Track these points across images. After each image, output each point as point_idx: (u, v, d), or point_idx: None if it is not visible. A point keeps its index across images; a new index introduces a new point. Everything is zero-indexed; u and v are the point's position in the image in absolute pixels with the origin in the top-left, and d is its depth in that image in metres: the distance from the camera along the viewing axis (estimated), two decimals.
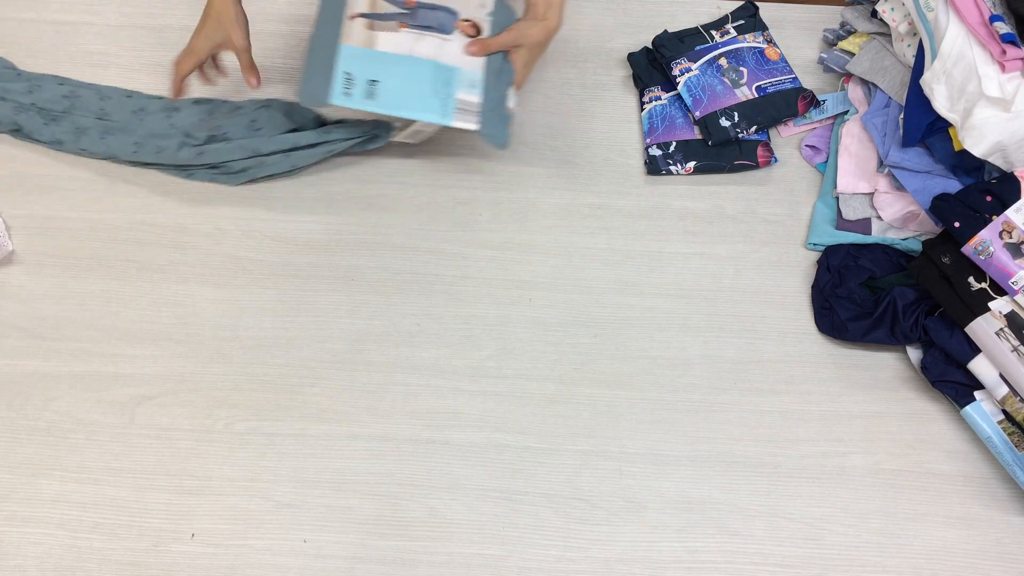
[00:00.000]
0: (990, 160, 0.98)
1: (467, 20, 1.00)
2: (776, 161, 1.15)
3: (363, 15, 0.99)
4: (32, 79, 1.14)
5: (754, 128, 1.14)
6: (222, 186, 1.11)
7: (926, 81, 1.00)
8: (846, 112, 1.16)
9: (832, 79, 1.22)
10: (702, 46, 1.20)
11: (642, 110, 1.18)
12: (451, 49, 0.99)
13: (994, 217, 0.95)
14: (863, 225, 1.08)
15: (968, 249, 0.95)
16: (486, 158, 1.14)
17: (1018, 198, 0.96)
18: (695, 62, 1.18)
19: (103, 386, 0.99)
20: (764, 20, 1.23)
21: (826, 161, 1.15)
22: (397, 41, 0.98)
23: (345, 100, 0.96)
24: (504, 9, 1.04)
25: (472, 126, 0.98)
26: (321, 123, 1.10)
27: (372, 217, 1.10)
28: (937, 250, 0.99)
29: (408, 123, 1.06)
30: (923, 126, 1.03)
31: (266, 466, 0.95)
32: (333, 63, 0.96)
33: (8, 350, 1.01)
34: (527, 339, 1.03)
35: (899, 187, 1.07)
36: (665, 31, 1.22)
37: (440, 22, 1.00)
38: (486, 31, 1.01)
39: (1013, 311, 0.93)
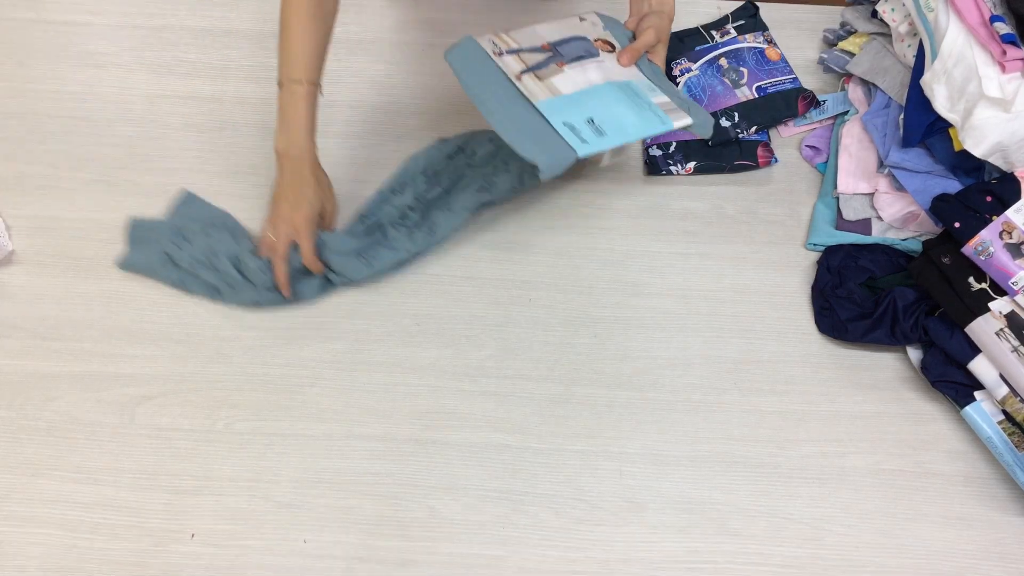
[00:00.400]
0: (990, 160, 0.98)
1: (597, 40, 0.98)
2: (776, 161, 1.15)
3: (526, 70, 0.94)
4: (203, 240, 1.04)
5: (754, 128, 1.14)
6: (222, 186, 1.11)
7: (926, 81, 1.00)
8: (846, 112, 1.16)
9: (832, 79, 1.22)
10: (702, 46, 1.20)
11: None
12: (610, 67, 0.97)
13: (994, 217, 0.95)
14: (863, 225, 1.08)
15: (968, 249, 0.96)
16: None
17: (1018, 198, 0.96)
18: (695, 62, 1.18)
19: (103, 386, 0.99)
20: (764, 20, 1.23)
21: (826, 161, 1.15)
22: (571, 78, 0.94)
23: (586, 148, 0.90)
24: (611, 21, 1.02)
25: (687, 120, 0.95)
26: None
27: None
28: (937, 250, 0.99)
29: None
30: (923, 126, 1.03)
31: (266, 466, 0.95)
32: (546, 123, 0.90)
33: (8, 350, 1.01)
34: (527, 339, 1.03)
35: (899, 187, 1.07)
36: None
37: (584, 49, 0.97)
38: (617, 42, 0.99)
39: (1013, 311, 0.93)
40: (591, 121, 0.91)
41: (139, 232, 1.05)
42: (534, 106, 0.91)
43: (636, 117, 0.93)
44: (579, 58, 0.95)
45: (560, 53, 0.95)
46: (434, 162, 1.09)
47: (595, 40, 0.98)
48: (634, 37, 1.00)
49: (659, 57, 1.00)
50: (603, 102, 0.93)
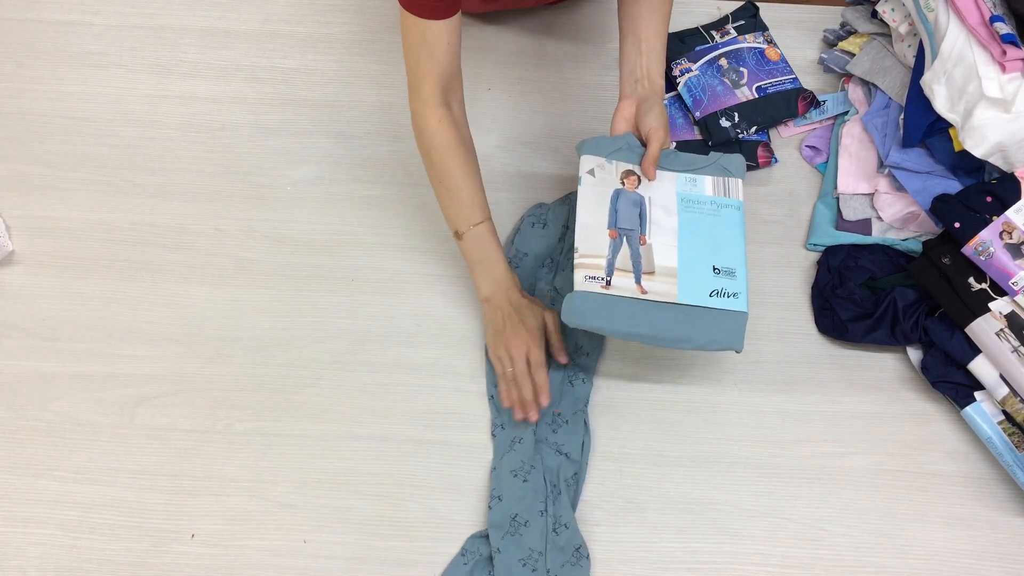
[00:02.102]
0: (990, 161, 0.98)
1: (622, 178, 0.95)
2: (776, 161, 1.15)
3: (637, 280, 0.91)
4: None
5: (754, 128, 1.14)
6: (222, 186, 1.11)
7: (926, 82, 1.00)
8: (846, 112, 1.16)
9: (832, 79, 1.22)
10: (702, 46, 1.20)
11: None
12: (655, 194, 0.95)
13: (994, 218, 0.95)
14: (863, 226, 1.08)
15: (968, 250, 0.95)
16: (484, 158, 1.14)
17: (1018, 199, 0.96)
18: (695, 62, 1.18)
19: (103, 386, 0.99)
20: (764, 20, 1.23)
21: (826, 161, 1.15)
22: (660, 243, 0.92)
23: (742, 298, 0.91)
24: (597, 143, 0.97)
25: (739, 181, 0.97)
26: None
27: (372, 217, 1.10)
28: (937, 251, 0.99)
29: None
30: (923, 127, 1.03)
31: (266, 466, 0.95)
32: (698, 308, 0.90)
33: (8, 350, 1.01)
34: None
35: (899, 188, 1.07)
36: None
37: (634, 203, 0.94)
38: (627, 163, 0.96)
39: (1013, 311, 0.93)
40: (716, 270, 0.92)
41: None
42: (677, 304, 0.90)
43: (724, 225, 0.94)
44: (640, 216, 0.94)
45: (629, 229, 0.93)
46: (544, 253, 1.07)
47: (621, 180, 0.96)
48: (639, 137, 0.96)
49: (666, 138, 0.95)
50: (698, 242, 0.93)
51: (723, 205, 0.96)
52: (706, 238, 0.93)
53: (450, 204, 0.96)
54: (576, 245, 0.92)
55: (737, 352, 0.90)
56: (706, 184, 0.97)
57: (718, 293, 0.91)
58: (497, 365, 0.96)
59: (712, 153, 0.98)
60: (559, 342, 0.97)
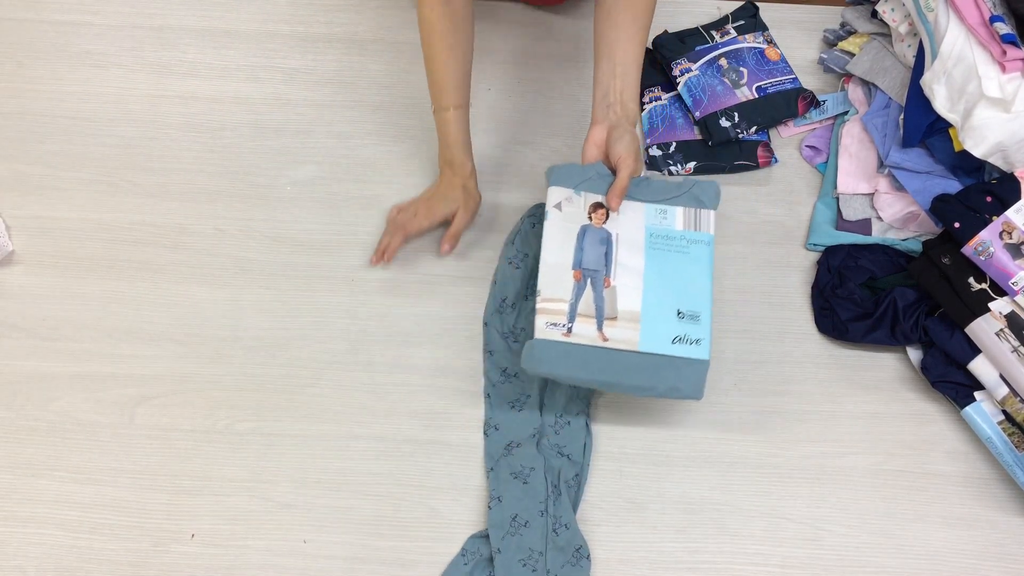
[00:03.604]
0: (990, 161, 0.98)
1: (589, 212, 0.94)
2: (776, 161, 1.15)
3: (599, 327, 0.90)
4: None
5: (754, 128, 1.14)
6: (222, 186, 1.11)
7: (926, 81, 1.00)
8: (846, 112, 1.16)
9: (832, 79, 1.22)
10: (702, 46, 1.20)
11: (642, 110, 1.18)
12: (621, 228, 0.93)
13: (994, 218, 0.95)
14: (863, 226, 1.08)
15: (968, 250, 0.95)
16: (483, 158, 1.14)
17: (1018, 198, 0.96)
18: (695, 62, 1.18)
19: (103, 386, 0.99)
20: (764, 20, 1.23)
21: (826, 161, 1.15)
22: (625, 285, 0.91)
23: (704, 345, 0.89)
24: (563, 171, 0.96)
25: (711, 211, 0.95)
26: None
27: (372, 217, 1.10)
28: (937, 251, 0.99)
29: None
30: (923, 127, 1.03)
31: (266, 466, 0.95)
32: (657, 355, 0.89)
33: (8, 350, 1.01)
34: None
35: (899, 188, 1.07)
36: (665, 31, 1.22)
37: (599, 240, 0.93)
38: (594, 193, 0.95)
39: (1013, 312, 0.93)
40: (680, 314, 0.90)
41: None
42: (638, 352, 0.89)
43: (692, 263, 0.92)
44: (606, 255, 0.93)
45: (594, 270, 0.92)
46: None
47: (589, 214, 0.94)
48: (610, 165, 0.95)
49: (637, 166, 0.94)
50: (664, 283, 0.91)
51: (693, 241, 0.93)
52: (672, 278, 0.91)
53: (429, 82, 1.01)
54: (539, 287, 0.91)
55: (696, 400, 0.91)
56: (677, 216, 0.95)
57: (680, 340, 0.89)
58: (399, 208, 1.06)
59: (686, 179, 0.95)
60: (452, 236, 1.05)
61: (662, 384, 0.89)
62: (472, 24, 1.00)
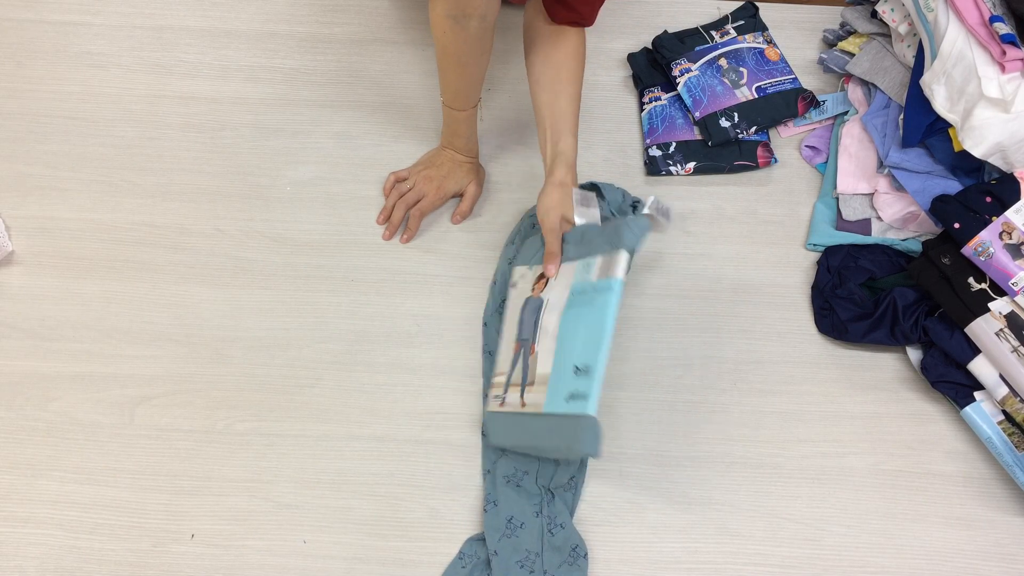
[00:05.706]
0: (990, 161, 0.98)
1: (536, 285, 0.96)
2: (776, 161, 1.15)
3: (521, 393, 0.91)
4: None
5: (754, 128, 1.14)
6: (222, 186, 1.11)
7: (926, 82, 1.00)
8: (846, 113, 1.16)
9: (832, 79, 1.22)
10: (702, 46, 1.20)
11: (642, 110, 1.18)
12: (554, 292, 0.93)
13: (994, 218, 0.95)
14: (863, 226, 1.08)
15: (968, 250, 0.95)
16: (483, 159, 1.14)
17: (1018, 199, 0.96)
18: (695, 63, 1.18)
19: (102, 387, 0.99)
20: (764, 20, 1.23)
21: (826, 162, 1.15)
22: (545, 348, 0.90)
23: (592, 401, 0.83)
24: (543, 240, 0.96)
25: (625, 257, 0.87)
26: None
27: (372, 217, 1.10)
28: (937, 251, 0.99)
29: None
30: (923, 127, 1.03)
31: (266, 467, 0.95)
32: (560, 415, 0.86)
33: (8, 350, 1.01)
34: None
35: (899, 188, 1.07)
36: (665, 31, 1.22)
37: (534, 309, 0.94)
38: (541, 271, 0.96)
39: (1013, 312, 0.93)
40: (577, 369, 0.86)
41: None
42: (542, 415, 0.88)
43: (595, 314, 0.87)
44: (535, 323, 0.93)
45: (526, 339, 0.93)
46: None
47: (533, 286, 0.96)
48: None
49: (557, 223, 0.95)
50: (570, 340, 0.88)
51: (600, 290, 0.88)
52: (576, 333, 0.88)
53: (440, 85, 1.03)
54: (496, 363, 0.97)
55: (595, 458, 0.91)
56: (595, 267, 0.90)
57: (574, 396, 0.85)
58: (398, 178, 1.10)
59: (618, 220, 0.91)
60: (464, 210, 1.09)
61: (562, 443, 0.86)
62: (490, 40, 0.97)
